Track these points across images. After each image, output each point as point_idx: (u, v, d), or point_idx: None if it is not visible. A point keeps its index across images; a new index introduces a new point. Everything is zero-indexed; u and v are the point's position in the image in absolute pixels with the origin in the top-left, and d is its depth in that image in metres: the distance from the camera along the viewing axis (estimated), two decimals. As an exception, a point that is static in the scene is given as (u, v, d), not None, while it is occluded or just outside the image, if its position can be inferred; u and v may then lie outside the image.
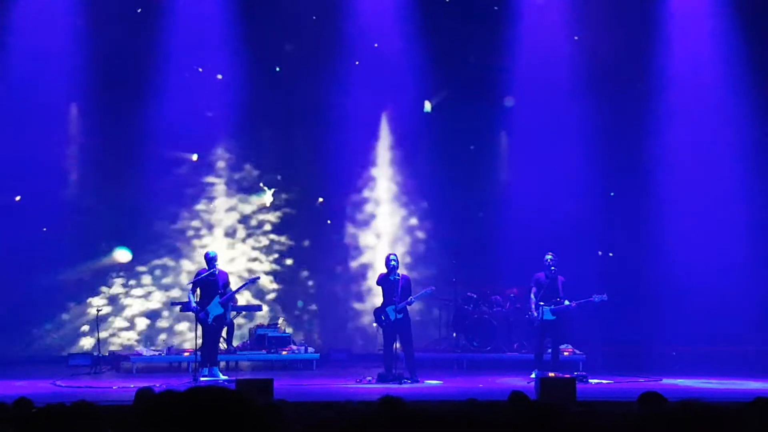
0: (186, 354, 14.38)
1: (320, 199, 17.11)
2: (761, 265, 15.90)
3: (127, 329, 16.17)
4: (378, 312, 13.12)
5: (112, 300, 16.13)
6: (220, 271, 13.23)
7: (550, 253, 13.30)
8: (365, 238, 17.41)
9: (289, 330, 15.68)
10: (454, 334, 16.00)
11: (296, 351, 15.18)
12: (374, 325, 14.02)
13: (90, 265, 16.15)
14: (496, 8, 16.75)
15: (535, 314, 13.25)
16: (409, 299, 12.92)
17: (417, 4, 16.49)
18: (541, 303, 13.21)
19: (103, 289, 16.17)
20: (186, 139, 16.27)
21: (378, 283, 13.35)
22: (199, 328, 13.00)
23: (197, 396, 2.22)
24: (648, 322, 15.91)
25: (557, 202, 16.60)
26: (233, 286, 13.56)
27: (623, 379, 13.14)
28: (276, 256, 17.01)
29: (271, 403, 5.30)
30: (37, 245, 15.57)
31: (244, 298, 15.72)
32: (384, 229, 17.46)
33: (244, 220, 17.05)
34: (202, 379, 12.65)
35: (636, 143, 16.55)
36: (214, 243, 16.10)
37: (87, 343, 15.68)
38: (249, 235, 17.02)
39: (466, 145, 17.34)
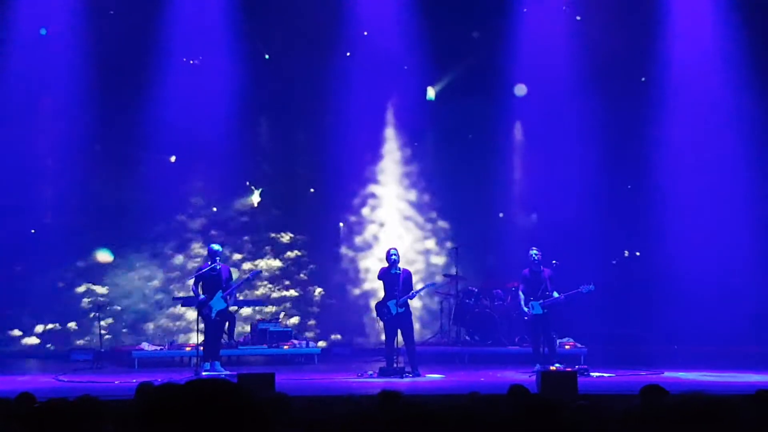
0: (188, 349, 14.39)
1: (311, 190, 17.08)
2: (764, 262, 15.89)
3: (128, 325, 16.20)
4: (379, 306, 13.13)
5: (113, 297, 16.13)
6: (222, 266, 13.23)
7: (535, 248, 13.45)
8: (368, 231, 17.41)
9: (293, 321, 15.65)
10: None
11: (298, 345, 15.19)
12: (376, 318, 14.01)
13: (89, 261, 16.16)
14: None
15: (526, 310, 13.33)
16: (410, 293, 12.94)
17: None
18: (531, 298, 13.32)
19: (104, 286, 16.16)
20: (186, 136, 16.22)
21: (379, 278, 13.38)
22: (200, 323, 13.00)
23: (196, 389, 2.22)
24: (649, 317, 15.94)
25: (559, 197, 16.61)
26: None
27: (625, 372, 13.15)
28: (277, 249, 17.02)
29: (278, 396, 5.30)
30: (35, 242, 15.58)
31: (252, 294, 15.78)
32: (387, 220, 17.47)
33: (243, 215, 17.06)
34: (203, 373, 12.65)
35: (639, 139, 16.54)
36: (218, 239, 16.09)
37: (89, 338, 15.69)
38: (249, 232, 17.04)
39: (469, 137, 17.31)
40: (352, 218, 17.36)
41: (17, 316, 15.76)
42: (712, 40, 16.11)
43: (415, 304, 13.77)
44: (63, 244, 15.77)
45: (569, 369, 12.11)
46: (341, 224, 16.94)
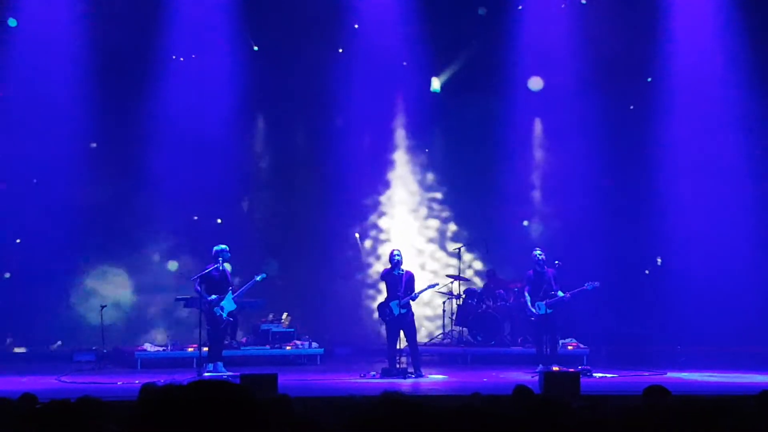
0: (190, 349, 14.38)
1: (357, 235, 17.00)
2: (766, 262, 15.87)
3: (132, 325, 16.19)
4: (382, 307, 13.14)
5: (115, 297, 16.11)
6: (224, 267, 13.20)
7: (538, 249, 13.56)
8: (371, 230, 17.43)
9: (283, 319, 15.60)
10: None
11: (300, 346, 15.18)
12: (378, 319, 14.00)
13: (89, 260, 16.16)
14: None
15: (533, 310, 13.38)
16: (413, 294, 12.94)
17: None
18: (535, 298, 13.38)
19: (105, 285, 16.16)
20: (190, 136, 16.21)
21: (382, 278, 13.42)
22: (206, 323, 12.96)
23: (199, 390, 2.22)
24: (652, 317, 15.92)
25: (562, 197, 16.60)
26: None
27: (627, 372, 13.15)
28: (281, 250, 17.02)
29: (280, 397, 5.30)
30: (40, 241, 15.57)
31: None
32: (390, 226, 17.48)
33: (251, 213, 17.08)
34: (206, 374, 12.65)
35: (642, 140, 16.52)
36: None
37: (91, 338, 15.68)
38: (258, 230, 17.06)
39: (470, 135, 17.28)
40: (367, 217, 17.37)
41: (21, 313, 15.73)
42: (715, 38, 16.07)
43: (417, 304, 13.75)
44: (62, 245, 15.75)
45: (572, 370, 12.10)
46: (357, 234, 16.84)
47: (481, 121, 17.00)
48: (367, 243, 17.46)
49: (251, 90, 16.36)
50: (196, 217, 16.47)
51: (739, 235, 15.95)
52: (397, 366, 12.73)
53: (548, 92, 16.67)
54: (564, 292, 13.26)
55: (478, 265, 17.48)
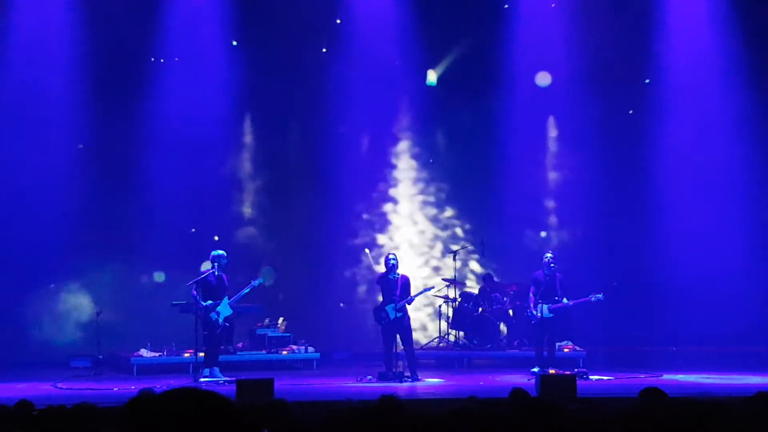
0: (186, 355, 14.36)
1: (367, 251, 16.90)
2: (763, 264, 15.90)
3: (128, 331, 16.16)
4: (378, 311, 13.13)
5: (112, 301, 16.08)
6: (221, 273, 13.20)
7: (549, 252, 13.62)
8: (366, 236, 17.42)
9: (279, 324, 15.58)
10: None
11: (296, 351, 15.17)
12: (374, 323, 14.00)
13: (86, 266, 16.14)
14: (506, 6, 16.71)
15: (535, 312, 13.39)
16: (408, 298, 12.94)
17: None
18: (540, 301, 13.40)
19: (101, 292, 16.13)
20: (187, 138, 16.19)
21: (377, 282, 13.43)
22: (202, 329, 12.95)
23: (172, 398, 2.20)
24: (649, 319, 15.94)
25: (558, 200, 16.62)
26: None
27: (624, 375, 13.16)
28: (277, 254, 17.01)
29: (277, 401, 5.29)
30: (37, 248, 15.55)
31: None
32: (389, 230, 17.50)
33: (248, 218, 17.07)
34: (202, 380, 12.64)
35: (638, 141, 16.56)
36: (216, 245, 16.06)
37: (87, 345, 15.64)
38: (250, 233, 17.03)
39: (465, 141, 17.30)
40: (365, 216, 17.37)
41: (18, 320, 15.69)
42: (712, 39, 16.12)
43: (413, 308, 13.75)
44: (60, 249, 15.74)
45: (568, 372, 12.11)
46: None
47: (478, 123, 17.01)
48: (370, 236, 17.40)
49: (245, 94, 16.37)
50: (193, 230, 16.38)
51: (737, 237, 15.99)
52: (394, 370, 12.73)
53: (547, 94, 16.66)
54: (569, 300, 13.30)
55: (476, 267, 17.47)
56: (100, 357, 14.49)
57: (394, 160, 17.57)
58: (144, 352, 14.71)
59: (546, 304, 13.36)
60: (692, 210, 15.94)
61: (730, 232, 16.00)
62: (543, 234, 17.10)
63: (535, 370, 13.08)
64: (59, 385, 12.48)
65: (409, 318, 13.12)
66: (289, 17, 16.11)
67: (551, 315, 13.38)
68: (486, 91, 16.75)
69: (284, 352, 15.11)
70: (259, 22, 16.31)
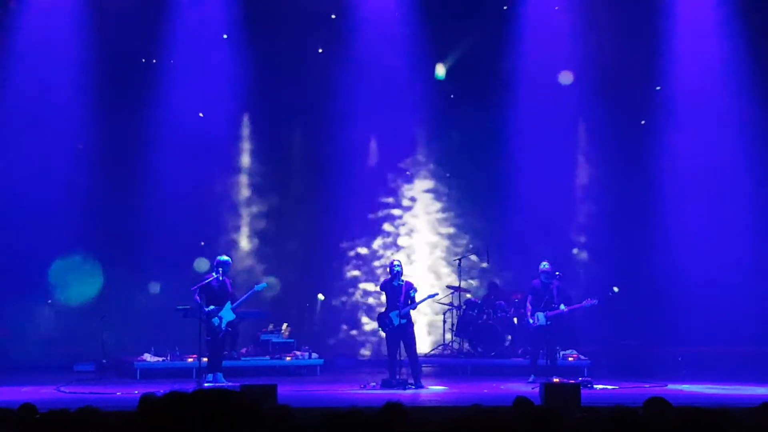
0: (190, 360, 14.36)
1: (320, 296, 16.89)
2: (767, 269, 15.88)
3: (132, 335, 16.16)
4: (382, 317, 13.12)
5: (116, 305, 16.09)
6: (226, 278, 13.20)
7: (546, 262, 13.66)
8: (370, 242, 17.41)
9: (283, 329, 15.57)
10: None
11: (300, 357, 15.16)
12: (379, 330, 13.99)
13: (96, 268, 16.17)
14: (505, 8, 16.72)
15: (531, 321, 13.51)
16: (412, 304, 12.93)
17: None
18: (537, 309, 13.52)
19: (108, 294, 16.14)
20: (192, 140, 16.20)
21: (381, 289, 13.42)
22: (205, 334, 12.94)
23: (201, 398, 2.21)
24: (653, 327, 15.89)
25: (563, 205, 16.61)
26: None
27: (628, 384, 13.13)
28: (281, 260, 17.01)
29: (280, 407, 5.29)
30: (40, 250, 15.57)
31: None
32: (396, 235, 17.50)
33: (252, 223, 17.08)
34: (205, 384, 12.63)
35: (642, 145, 16.54)
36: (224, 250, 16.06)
37: (91, 349, 15.65)
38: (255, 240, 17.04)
39: (470, 148, 17.28)
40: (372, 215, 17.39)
41: (21, 323, 15.71)
42: (716, 45, 16.12)
43: (417, 315, 13.74)
44: (64, 251, 15.76)
45: (572, 381, 12.09)
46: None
47: (485, 128, 16.97)
48: (377, 242, 17.36)
49: (248, 94, 16.39)
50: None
51: (744, 245, 15.97)
52: (397, 377, 12.70)
53: (551, 100, 16.64)
54: (565, 306, 13.36)
55: (481, 274, 17.40)
56: (104, 361, 14.51)
57: (399, 164, 17.54)
58: (148, 357, 14.71)
59: (543, 312, 13.40)
60: (700, 219, 15.91)
61: (738, 240, 15.97)
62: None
63: (531, 379, 13.15)
64: (62, 388, 12.48)
65: (413, 325, 13.10)
66: (291, 17, 16.14)
67: (548, 323, 13.44)
68: (494, 96, 16.71)
69: (288, 358, 15.10)
70: (263, 21, 16.33)
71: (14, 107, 15.59)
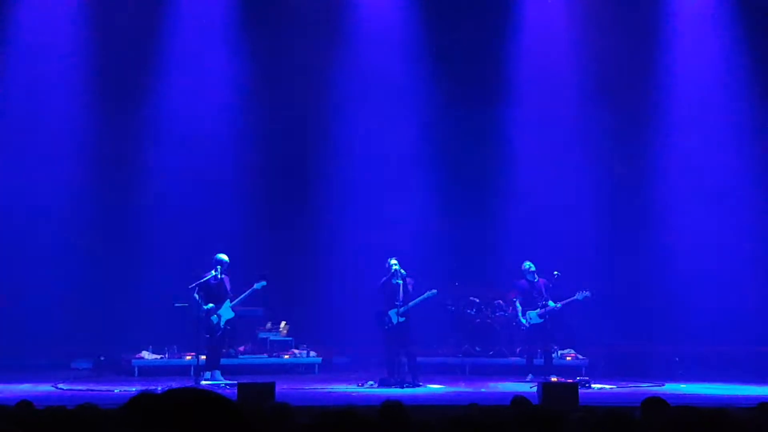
0: (188, 357, 14.36)
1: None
2: (765, 270, 15.89)
3: (129, 333, 16.16)
4: (380, 316, 13.12)
5: (114, 302, 16.09)
6: (224, 276, 13.21)
7: (528, 261, 13.82)
8: (369, 238, 17.40)
9: (281, 328, 15.55)
10: (442, 340, 16.13)
11: (298, 355, 15.17)
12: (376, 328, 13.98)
13: (91, 267, 16.14)
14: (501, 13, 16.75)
15: (524, 321, 13.61)
16: (410, 303, 12.93)
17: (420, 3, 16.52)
18: (527, 309, 13.63)
19: (105, 292, 16.13)
20: (190, 141, 16.20)
21: (380, 287, 13.38)
22: (204, 331, 12.95)
23: (174, 398, 2.19)
24: (651, 327, 15.90)
25: (560, 207, 16.60)
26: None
27: (626, 384, 13.14)
28: (279, 257, 17.00)
29: (278, 405, 5.29)
30: (38, 248, 15.56)
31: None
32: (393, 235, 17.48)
33: (250, 220, 17.07)
34: (203, 382, 12.64)
35: (639, 147, 16.56)
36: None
37: (89, 346, 15.65)
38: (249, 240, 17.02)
39: (470, 149, 17.29)
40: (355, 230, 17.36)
41: (20, 322, 15.69)
42: (715, 49, 16.13)
43: (415, 314, 13.72)
44: (63, 250, 15.75)
45: (570, 381, 12.10)
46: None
47: (483, 132, 17.00)
48: (375, 240, 17.33)
49: (248, 94, 16.39)
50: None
51: (741, 247, 15.97)
52: (396, 376, 12.71)
53: (549, 103, 16.66)
54: (555, 303, 13.38)
55: (480, 274, 17.40)
56: (102, 358, 14.50)
57: (398, 164, 17.54)
58: (145, 354, 14.71)
59: (534, 310, 13.42)
60: (699, 219, 15.91)
61: (738, 240, 15.99)
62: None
63: (530, 378, 13.20)
64: (60, 385, 12.48)
65: (411, 323, 13.10)
66: (292, 17, 16.13)
67: (541, 320, 13.51)
68: (494, 96, 16.73)
69: (286, 356, 15.11)
70: (263, 21, 16.33)
71: (12, 105, 15.57)
